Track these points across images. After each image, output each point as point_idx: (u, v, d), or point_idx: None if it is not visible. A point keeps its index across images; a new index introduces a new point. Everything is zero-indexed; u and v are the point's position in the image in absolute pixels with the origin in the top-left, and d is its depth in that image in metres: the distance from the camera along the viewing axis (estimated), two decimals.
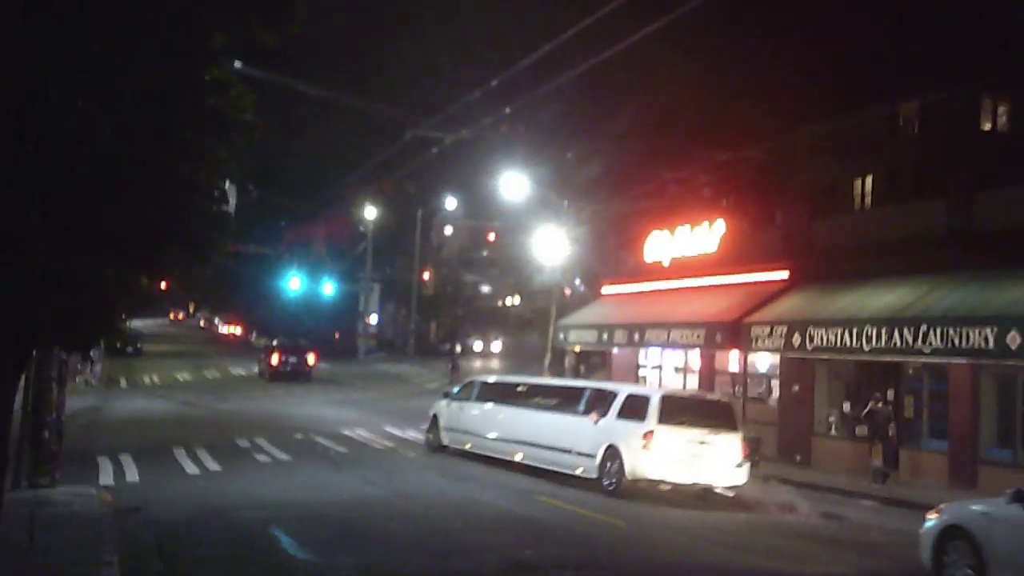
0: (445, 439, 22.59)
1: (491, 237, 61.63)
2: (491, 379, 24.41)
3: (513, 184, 37.63)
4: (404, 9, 74.81)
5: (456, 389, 23.93)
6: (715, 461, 16.98)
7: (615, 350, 32.06)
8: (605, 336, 30.78)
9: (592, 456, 17.75)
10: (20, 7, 7.58)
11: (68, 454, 16.72)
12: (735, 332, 24.74)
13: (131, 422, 27.90)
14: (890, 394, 22.02)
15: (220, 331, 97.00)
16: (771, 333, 23.52)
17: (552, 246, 36.07)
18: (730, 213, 28.44)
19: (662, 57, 29.82)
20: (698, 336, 26.08)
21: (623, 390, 18.62)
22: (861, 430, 21.83)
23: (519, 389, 22.22)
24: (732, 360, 27.12)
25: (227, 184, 11.34)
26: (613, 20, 16.39)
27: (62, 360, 16.86)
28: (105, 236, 8.66)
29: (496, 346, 71.30)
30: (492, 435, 21.12)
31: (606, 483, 17.36)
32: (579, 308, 35.70)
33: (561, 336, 33.60)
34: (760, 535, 14.71)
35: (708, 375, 28.26)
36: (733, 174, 27.86)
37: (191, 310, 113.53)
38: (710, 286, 27.93)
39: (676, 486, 17.13)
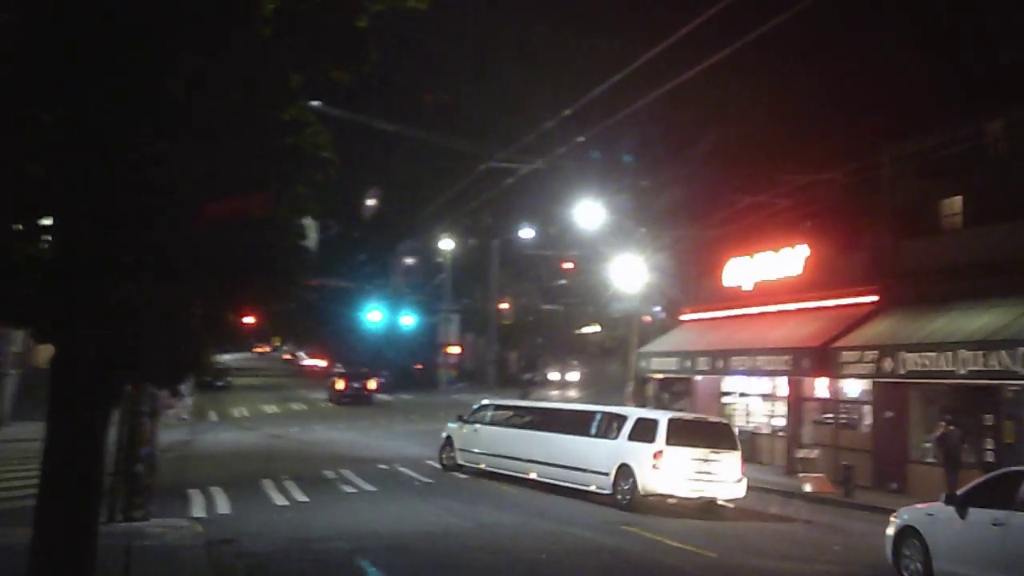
0: (460, 459, 24.18)
1: (568, 266, 61.56)
2: (503, 403, 26.25)
3: (589, 213, 37.57)
4: (476, 42, 75.70)
5: (469, 413, 25.37)
6: (718, 477, 18.73)
7: (698, 377, 31.61)
8: (688, 363, 30.38)
9: (606, 474, 19.33)
10: (106, 58, 7.82)
11: (161, 487, 17.06)
12: (823, 358, 24.17)
13: (221, 454, 28.43)
14: (988, 418, 21.22)
15: (304, 364, 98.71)
16: (861, 358, 22.91)
17: (630, 274, 35.85)
18: (813, 236, 27.85)
19: (741, 79, 29.51)
20: (784, 362, 25.56)
21: (632, 414, 20.41)
22: (936, 454, 21.14)
23: (532, 413, 24.00)
24: (821, 386, 26.47)
25: (307, 220, 11.54)
26: (690, 43, 16.30)
27: (154, 394, 17.26)
28: (191, 274, 8.84)
29: (573, 375, 70.97)
30: (507, 455, 22.60)
31: (620, 498, 18.93)
32: (659, 335, 35.36)
33: (642, 364, 33.28)
34: None
35: (796, 402, 27.64)
36: (815, 197, 27.28)
37: (276, 344, 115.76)
38: (795, 311, 27.39)
39: (683, 500, 18.78)
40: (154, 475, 16.19)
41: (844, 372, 23.77)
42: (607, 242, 38.68)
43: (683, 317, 34.05)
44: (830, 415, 26.73)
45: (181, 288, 8.93)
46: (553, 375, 71.64)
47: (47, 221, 8.45)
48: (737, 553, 15.16)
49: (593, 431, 20.41)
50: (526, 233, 62.59)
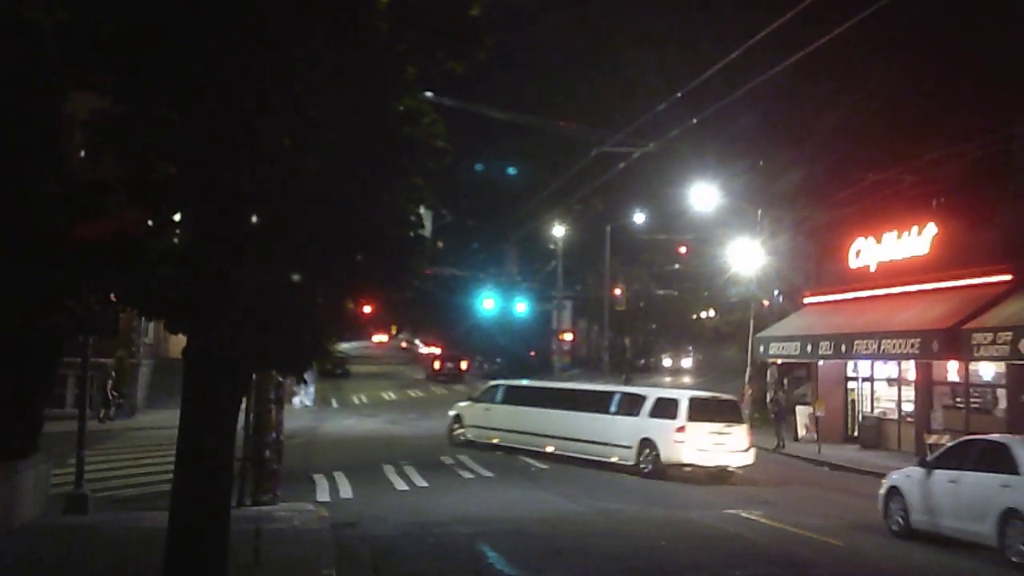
0: (470, 435, 26.43)
1: (683, 250, 60.60)
2: (513, 383, 29.06)
3: (704, 196, 36.94)
4: (588, 25, 75.25)
5: (478, 393, 28.31)
6: (730, 448, 21.07)
7: (820, 362, 30.76)
8: (809, 348, 29.57)
9: (629, 447, 21.68)
10: (232, 57, 8.05)
11: (287, 472, 17.59)
12: (953, 340, 23.16)
13: (343, 440, 29.16)
14: None
15: (421, 351, 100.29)
16: (995, 340, 21.85)
17: (747, 257, 35.12)
18: (941, 214, 26.66)
19: (866, 53, 28.43)
20: (912, 345, 24.60)
21: (652, 394, 22.86)
22: None
23: (548, 393, 27.01)
24: (951, 370, 25.40)
25: (422, 209, 11.68)
26: (810, 16, 15.79)
27: (279, 382, 17.79)
28: (314, 264, 9.05)
29: (686, 362, 70.01)
30: (523, 431, 24.86)
31: (643, 467, 21.25)
32: (778, 320, 34.52)
33: (761, 349, 32.58)
34: None
35: (925, 386, 26.62)
36: (944, 173, 26.09)
37: (394, 332, 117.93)
38: (922, 292, 26.32)
39: (701, 468, 21.01)
40: (281, 461, 16.70)
41: (976, 355, 22.73)
42: (723, 225, 37.99)
43: (804, 300, 33.14)
44: (961, 399, 25.63)
45: (305, 278, 9.17)
46: (666, 361, 70.88)
47: (178, 216, 8.78)
48: (861, 539, 14.72)
49: (613, 409, 22.79)
50: (638, 218, 61.88)
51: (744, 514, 16.74)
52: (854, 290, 29.64)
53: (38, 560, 11.19)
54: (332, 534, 13.31)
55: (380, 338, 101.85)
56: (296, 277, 9.03)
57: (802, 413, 31.04)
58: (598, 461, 22.27)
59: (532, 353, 68.74)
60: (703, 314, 68.07)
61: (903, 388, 28.13)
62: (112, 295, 9.14)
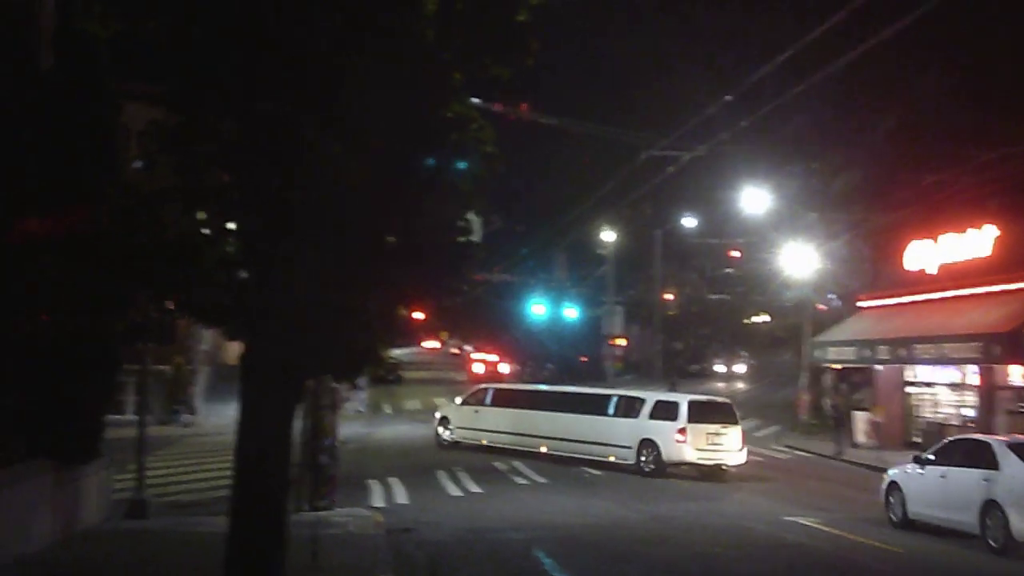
0: (457, 436, 27.31)
1: (735, 254, 59.96)
2: (502, 387, 30.18)
3: (756, 199, 36.52)
4: (637, 28, 74.99)
5: (466, 395, 28.81)
6: (726, 447, 22.25)
7: (878, 367, 30.18)
8: (867, 352, 29.04)
9: (628, 447, 22.79)
10: (281, 67, 8.11)
11: (342, 478, 17.69)
12: (1015, 344, 22.57)
13: (396, 446, 29.24)
14: None
15: (472, 358, 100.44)
16: None
17: (802, 261, 34.63)
18: (1002, 215, 25.99)
19: (922, 51, 27.85)
20: (973, 349, 24.02)
21: (651, 397, 24.07)
22: None
23: (540, 396, 27.99)
24: (1015, 374, 24.76)
25: (472, 215, 11.67)
26: (863, 16, 15.52)
27: (334, 388, 17.91)
28: (364, 272, 9.07)
29: (739, 367, 69.04)
30: (515, 432, 25.74)
31: (643, 466, 22.37)
32: (835, 324, 33.96)
33: (817, 354, 32.09)
34: None
35: (987, 391, 25.96)
36: (1004, 173, 25.43)
37: (444, 339, 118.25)
38: (983, 295, 25.68)
39: (700, 467, 22.14)
40: (336, 466, 16.80)
41: None
42: (776, 229, 37.50)
43: (860, 304, 32.56)
44: None
45: (356, 284, 9.20)
46: (718, 367, 70.05)
47: (232, 224, 8.86)
48: (924, 547, 14.40)
49: (611, 411, 23.90)
50: (689, 222, 61.41)
51: (803, 521, 16.47)
52: (911, 293, 29.05)
53: (100, 563, 11.37)
54: (388, 539, 13.35)
55: (431, 344, 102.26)
56: (347, 283, 9.06)
57: (860, 419, 30.47)
58: (595, 460, 23.43)
59: (583, 359, 68.43)
60: (756, 319, 67.28)
61: (965, 393, 27.48)
62: (169, 303, 9.26)
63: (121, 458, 16.30)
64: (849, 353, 30.31)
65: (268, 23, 7.74)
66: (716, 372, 69.02)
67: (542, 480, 21.48)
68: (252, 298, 8.24)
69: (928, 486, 15.48)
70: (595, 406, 24.58)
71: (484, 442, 26.56)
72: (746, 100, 22.45)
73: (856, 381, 33.83)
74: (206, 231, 8.69)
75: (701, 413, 22.48)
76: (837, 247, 34.09)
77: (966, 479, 14.54)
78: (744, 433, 23.28)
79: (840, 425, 29.32)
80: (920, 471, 15.77)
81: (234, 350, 30.78)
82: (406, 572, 11.29)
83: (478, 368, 65.81)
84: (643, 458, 22.47)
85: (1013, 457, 14.01)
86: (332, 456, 16.60)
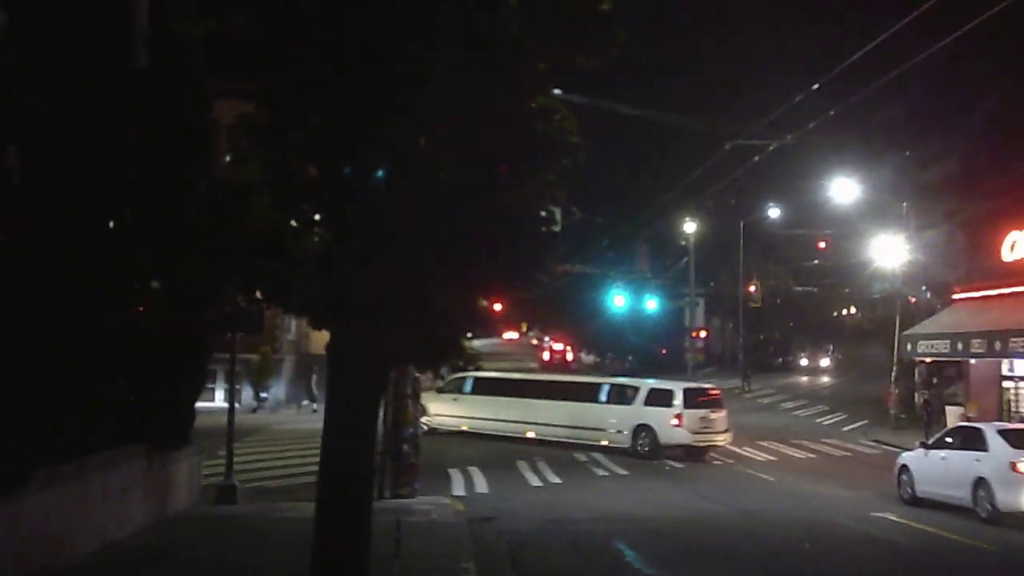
0: (436, 423, 27.73)
1: (822, 245, 58.59)
2: (483, 375, 28.94)
3: (844, 189, 35.66)
4: (722, 15, 73.77)
5: (444, 383, 28.76)
6: (715, 429, 24.46)
7: (972, 361, 29.21)
8: (960, 346, 28.09)
9: (622, 432, 24.56)
10: (367, 60, 8.19)
11: (423, 466, 17.90)
12: None
13: (476, 435, 29.45)
14: None
15: (552, 347, 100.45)
16: None
17: (892, 252, 33.73)
18: None
19: (1018, 36, 26.79)
20: None
21: (644, 385, 25.88)
22: None
23: (526, 384, 28.89)
24: None
25: (554, 207, 11.64)
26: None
27: (415, 377, 18.11)
28: (447, 263, 9.12)
29: (824, 361, 67.52)
30: (499, 419, 26.91)
31: (639, 449, 24.04)
32: (927, 317, 32.98)
33: (908, 347, 31.18)
34: None
35: None
36: None
37: (523, 329, 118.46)
38: None
39: (693, 448, 23.92)
40: (418, 455, 16.99)
41: None
42: (865, 219, 36.59)
43: (954, 296, 31.55)
44: None
45: (439, 275, 9.27)
46: (803, 360, 68.66)
47: (319, 217, 9.00)
48: (1018, 543, 13.92)
49: (603, 399, 25.67)
50: (773, 212, 60.29)
51: (892, 517, 16.09)
52: (1009, 285, 28.00)
53: (193, 545, 11.72)
54: (469, 528, 13.45)
55: (511, 335, 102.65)
56: (431, 274, 9.13)
57: (953, 414, 29.57)
58: (585, 444, 24.90)
59: (664, 351, 67.87)
60: (844, 311, 65.76)
61: None
62: (258, 293, 9.46)
63: (210, 445, 16.77)
64: (942, 346, 29.38)
65: (354, 17, 7.82)
66: (799, 365, 67.69)
67: (622, 472, 21.40)
68: (338, 288, 8.36)
69: (932, 468, 17.33)
70: (587, 393, 26.43)
71: (465, 428, 27.67)
72: (835, 87, 21.94)
73: (949, 375, 32.84)
74: (293, 223, 8.85)
75: (694, 399, 24.46)
76: (930, 238, 33.10)
77: (962, 460, 16.47)
78: (729, 416, 25.46)
79: (932, 420, 28.58)
80: (926, 455, 17.64)
81: (319, 339, 31.41)
82: (487, 561, 11.34)
83: (546, 356, 72.02)
84: (639, 442, 24.20)
85: (1000, 440, 16.02)
86: (414, 445, 16.80)
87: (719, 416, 24.82)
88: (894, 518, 16.03)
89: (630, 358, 65.26)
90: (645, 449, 24.10)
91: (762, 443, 27.86)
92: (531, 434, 26.43)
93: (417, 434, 17.31)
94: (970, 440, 16.69)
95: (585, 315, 70.35)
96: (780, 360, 68.82)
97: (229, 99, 10.93)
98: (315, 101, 8.26)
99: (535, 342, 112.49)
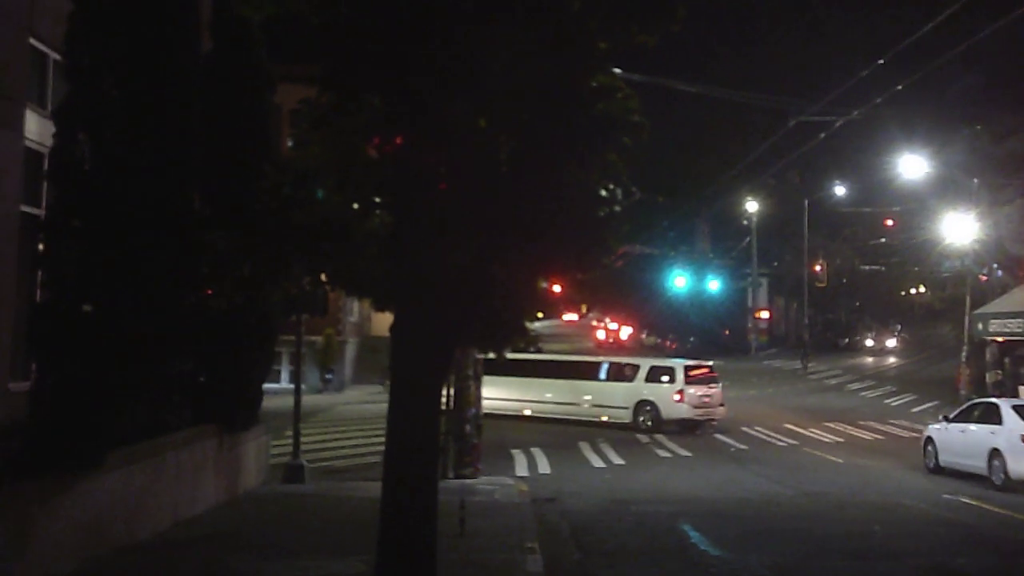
0: None
1: (889, 223, 57.27)
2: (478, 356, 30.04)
3: (912, 165, 34.85)
4: None
5: None
6: (712, 404, 25.93)
7: None
8: None
9: (624, 408, 25.87)
10: (432, 40, 8.19)
11: (485, 447, 17.97)
12: None
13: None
14: None
15: (609, 327, 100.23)
16: None
17: (962, 229, 32.89)
18: None
19: None
20: None
21: (644, 363, 27.29)
22: None
23: (525, 363, 27.39)
24: None
25: (615, 187, 11.55)
26: None
27: (477, 360, 18.18)
28: (509, 244, 9.10)
29: (890, 342, 66.04)
30: (498, 397, 26.09)
31: (641, 424, 25.38)
32: (999, 295, 32.14)
33: (979, 326, 30.45)
34: None
35: None
36: None
37: (583, 311, 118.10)
38: None
39: (692, 421, 25.24)
40: (480, 435, 17.07)
41: None
42: (934, 196, 35.74)
43: None
44: None
45: (501, 256, 9.25)
46: (868, 341, 67.28)
47: (379, 199, 9.04)
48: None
49: (603, 376, 26.87)
50: (839, 190, 59.15)
51: (964, 499, 15.76)
52: None
53: (263, 523, 11.96)
54: (532, 508, 13.48)
55: (570, 316, 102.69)
56: (493, 255, 9.13)
57: None
58: (584, 421, 25.91)
59: (727, 332, 67.17)
60: (912, 290, 64.32)
61: None
62: (322, 275, 9.55)
63: (277, 425, 17.06)
64: (1015, 325, 28.64)
65: None
66: (865, 346, 66.40)
67: (685, 453, 21.26)
68: (400, 270, 8.41)
69: (953, 439, 18.81)
70: (586, 372, 27.57)
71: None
72: (903, 60, 21.40)
73: (1021, 354, 32.00)
74: (355, 206, 8.90)
75: (692, 375, 25.81)
76: (1002, 214, 32.19)
77: (979, 432, 17.95)
78: (722, 391, 26.97)
79: None
80: (947, 428, 19.08)
81: (381, 321, 31.73)
82: (551, 541, 11.37)
83: (600, 335, 74.67)
84: (640, 417, 25.50)
85: (1014, 415, 17.38)
86: (476, 425, 16.87)
87: (715, 391, 26.35)
88: (967, 500, 15.70)
89: (691, 339, 64.69)
90: (647, 424, 25.29)
91: (828, 424, 27.48)
92: (527, 412, 27.33)
93: (479, 415, 17.37)
94: (987, 414, 18.15)
95: (646, 296, 69.90)
96: (846, 341, 67.62)
97: (291, 84, 11.03)
98: (377, 83, 8.28)
99: (595, 323, 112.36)
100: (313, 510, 13.04)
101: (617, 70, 12.83)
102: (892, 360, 57.66)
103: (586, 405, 26.61)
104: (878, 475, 18.84)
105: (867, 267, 63.53)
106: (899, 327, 69.16)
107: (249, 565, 9.57)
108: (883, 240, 58.57)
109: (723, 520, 13.38)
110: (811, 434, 25.27)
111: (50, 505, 8.66)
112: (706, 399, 25.79)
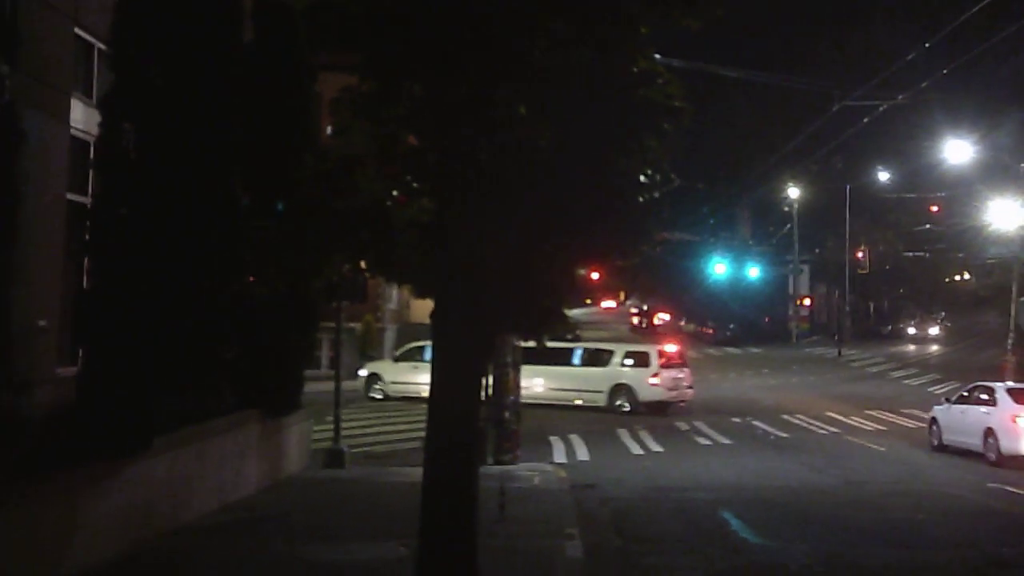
0: (391, 391, 28.03)
1: (934, 209, 56.34)
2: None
3: (958, 150, 34.28)
4: None
5: (400, 352, 29.58)
6: (684, 385, 27.30)
7: None
8: None
9: (600, 392, 26.68)
10: (474, 28, 8.18)
11: (524, 433, 18.01)
12: None
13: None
14: None
15: (630, 312, 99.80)
16: None
17: (1009, 215, 32.31)
18: None
19: None
20: None
21: (619, 348, 28.39)
22: None
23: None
24: None
25: (656, 173, 11.48)
26: None
27: (516, 346, 18.20)
28: (549, 231, 9.09)
29: (933, 330, 64.93)
30: None
31: (619, 407, 26.15)
32: None
33: None
34: None
35: None
36: None
37: (621, 298, 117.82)
38: None
39: (665, 403, 26.25)
40: (519, 422, 17.12)
41: None
42: (981, 181, 35.14)
43: None
44: None
45: (541, 244, 9.24)
46: (910, 329, 66.23)
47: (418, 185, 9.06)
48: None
49: (577, 362, 27.33)
50: (882, 176, 58.26)
51: (1011, 488, 15.53)
52: None
53: (305, 507, 12.11)
54: (572, 494, 13.51)
55: (608, 304, 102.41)
56: (533, 243, 9.12)
57: None
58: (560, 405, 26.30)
59: (767, 319, 66.62)
60: (956, 277, 63.31)
61: None
62: (362, 262, 9.61)
63: (318, 411, 17.24)
64: None
65: None
66: (908, 334, 65.44)
67: (725, 441, 21.17)
68: (441, 257, 8.43)
69: (954, 419, 20.21)
70: (558, 358, 26.78)
71: (424, 394, 27.79)
72: (949, 43, 21.02)
73: None
74: (396, 193, 8.94)
75: (665, 359, 26.89)
76: None
77: (976, 413, 19.42)
78: (691, 373, 28.31)
79: None
80: (949, 409, 20.50)
81: (419, 308, 31.84)
82: (591, 527, 11.39)
83: (635, 320, 77.27)
84: (618, 401, 26.35)
85: (1008, 398, 19.02)
86: (515, 412, 16.92)
87: (685, 374, 27.68)
88: (1013, 489, 15.46)
89: (731, 326, 64.24)
90: (625, 408, 26.12)
91: (871, 412, 27.20)
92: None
93: (518, 401, 17.42)
94: (984, 397, 19.65)
95: (685, 283, 69.55)
96: (888, 328, 66.74)
97: (333, 72, 11.08)
98: (418, 71, 8.30)
99: (633, 310, 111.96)
100: (355, 495, 13.18)
101: (657, 55, 12.75)
102: (935, 348, 56.86)
103: (560, 390, 26.95)
104: (922, 464, 18.62)
105: (910, 254, 62.57)
106: (943, 314, 68.10)
107: (292, 548, 9.71)
108: (927, 226, 57.62)
109: (764, 508, 13.31)
110: (853, 422, 25.03)
111: (99, 489, 8.83)
112: (678, 382, 27.02)
